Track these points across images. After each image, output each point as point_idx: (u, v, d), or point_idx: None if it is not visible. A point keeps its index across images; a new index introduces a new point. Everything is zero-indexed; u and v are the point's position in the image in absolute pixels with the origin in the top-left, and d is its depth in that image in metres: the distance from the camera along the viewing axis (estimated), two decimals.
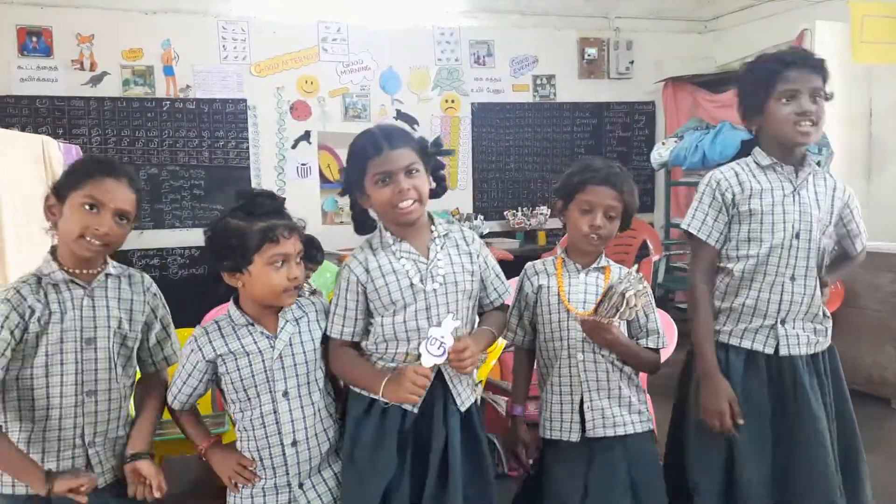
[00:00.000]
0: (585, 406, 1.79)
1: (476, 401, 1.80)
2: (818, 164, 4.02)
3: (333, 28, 5.38)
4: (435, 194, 1.76)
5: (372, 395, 1.67)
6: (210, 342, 1.65)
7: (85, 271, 1.66)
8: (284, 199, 1.72)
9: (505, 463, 2.96)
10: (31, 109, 4.81)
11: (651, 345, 1.85)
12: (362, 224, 1.78)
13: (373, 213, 1.76)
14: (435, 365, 1.60)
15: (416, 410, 1.65)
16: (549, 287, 1.85)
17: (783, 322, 1.83)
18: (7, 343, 1.54)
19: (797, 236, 1.81)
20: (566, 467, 1.82)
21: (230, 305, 1.70)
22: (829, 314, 1.91)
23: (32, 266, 1.68)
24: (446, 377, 1.66)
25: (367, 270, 1.68)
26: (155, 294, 1.77)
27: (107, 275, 1.68)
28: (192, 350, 1.66)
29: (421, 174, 1.67)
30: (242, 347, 1.64)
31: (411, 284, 1.66)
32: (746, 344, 1.85)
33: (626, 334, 1.82)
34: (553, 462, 1.84)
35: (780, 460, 1.83)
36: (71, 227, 1.59)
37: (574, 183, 1.83)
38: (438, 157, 1.77)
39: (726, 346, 1.87)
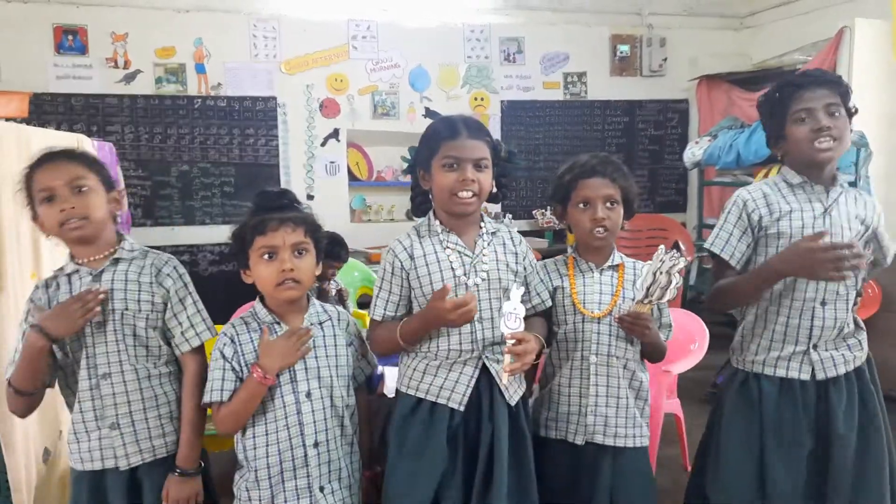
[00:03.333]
0: (589, 410, 1.78)
1: (525, 395, 1.79)
2: (856, 164, 3.92)
3: (363, 26, 5.38)
4: (493, 198, 1.77)
5: (418, 394, 1.68)
6: (237, 335, 1.66)
7: (92, 258, 1.67)
8: (290, 193, 1.72)
9: None
10: (66, 107, 4.89)
11: (662, 336, 1.85)
12: (418, 206, 1.79)
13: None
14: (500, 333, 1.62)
15: (461, 408, 1.66)
16: (563, 288, 1.83)
17: (815, 347, 1.78)
18: None
19: None
20: (559, 466, 1.81)
21: (256, 302, 1.71)
22: (862, 325, 1.86)
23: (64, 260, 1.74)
24: (492, 371, 1.66)
25: (412, 257, 1.68)
26: (168, 273, 1.72)
27: (117, 259, 1.68)
28: (223, 344, 1.66)
29: (488, 171, 1.69)
30: None
31: (454, 276, 1.66)
32: (781, 372, 1.81)
33: None
34: (546, 459, 1.82)
35: (815, 484, 1.79)
36: (48, 223, 1.62)
37: (566, 183, 1.82)
38: (507, 165, 1.78)
39: (759, 376, 1.83)
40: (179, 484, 1.67)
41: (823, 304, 1.77)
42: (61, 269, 1.70)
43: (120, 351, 1.66)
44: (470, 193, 1.64)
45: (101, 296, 1.61)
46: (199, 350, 1.75)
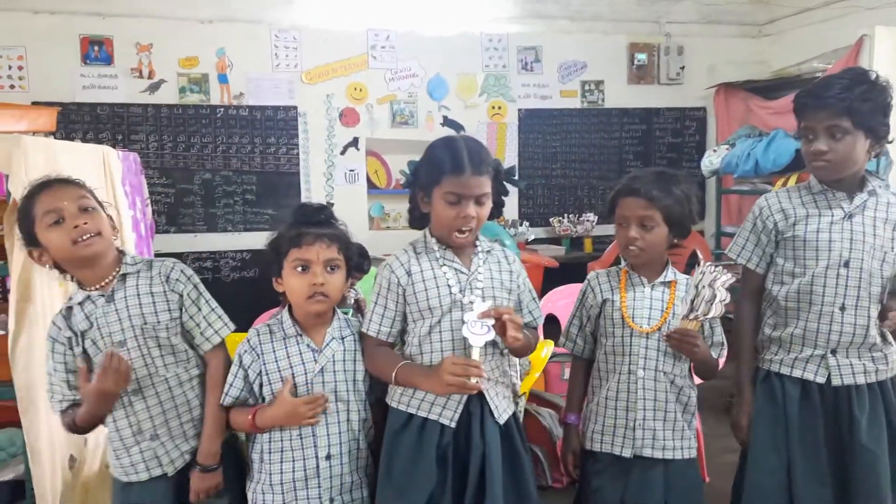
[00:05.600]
0: (637, 424, 1.78)
1: (516, 413, 1.80)
2: (875, 173, 3.89)
3: (382, 35, 5.44)
4: (490, 216, 1.77)
5: (409, 410, 1.68)
6: (260, 344, 1.71)
7: (100, 283, 1.70)
8: (330, 207, 1.77)
9: (549, 475, 2.94)
10: (92, 116, 4.99)
11: (714, 355, 1.85)
12: (417, 220, 1.80)
13: None
14: (483, 349, 1.60)
15: (453, 424, 1.66)
16: (613, 301, 1.84)
17: (834, 352, 1.78)
18: (66, 378, 1.69)
19: (846, 265, 1.75)
20: (607, 479, 1.82)
21: (284, 312, 1.75)
22: (891, 339, 1.84)
23: None
24: (483, 388, 1.65)
25: (409, 273, 1.69)
26: (177, 279, 1.75)
27: (124, 275, 1.71)
28: (244, 350, 1.71)
29: (488, 202, 1.69)
30: (288, 357, 1.68)
31: (450, 293, 1.67)
32: (798, 373, 1.82)
33: None
34: (594, 473, 1.84)
35: (838, 491, 1.79)
36: (58, 244, 1.63)
37: (610, 199, 1.85)
38: (505, 184, 1.78)
39: (780, 376, 1.85)
40: (201, 479, 1.71)
41: (843, 308, 1.77)
42: (70, 299, 1.73)
43: (147, 365, 1.70)
44: (468, 230, 1.66)
45: (126, 365, 1.62)
46: (221, 346, 1.78)
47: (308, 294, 1.66)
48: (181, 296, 1.74)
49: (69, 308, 1.71)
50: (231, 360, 1.76)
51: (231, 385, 1.70)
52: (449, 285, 1.68)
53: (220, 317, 1.78)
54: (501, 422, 1.70)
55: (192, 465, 1.73)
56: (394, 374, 1.66)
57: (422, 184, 1.71)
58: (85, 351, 1.69)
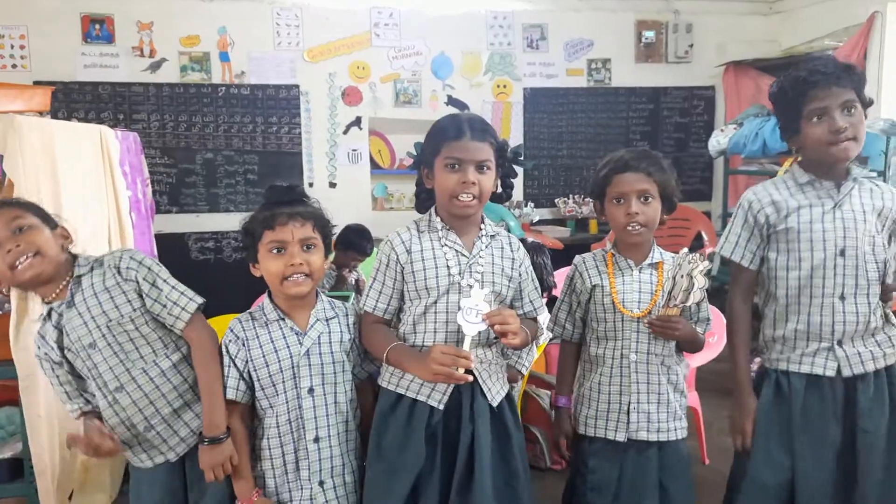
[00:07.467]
0: (632, 407, 1.78)
1: (510, 395, 1.78)
2: (885, 153, 3.82)
3: (385, 13, 5.37)
4: (498, 198, 1.76)
5: (398, 390, 1.67)
6: (243, 331, 1.68)
7: (54, 293, 1.68)
8: (299, 186, 1.73)
9: (548, 456, 2.94)
10: (93, 95, 4.96)
11: (700, 330, 1.85)
12: (422, 203, 1.78)
13: None
14: (479, 334, 1.57)
15: (441, 406, 1.65)
16: (603, 287, 1.82)
17: (840, 343, 1.75)
18: (64, 390, 1.73)
19: (842, 254, 1.72)
20: (603, 461, 1.82)
21: (265, 298, 1.73)
22: (894, 321, 1.82)
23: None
24: (475, 371, 1.63)
25: (409, 251, 1.67)
26: (128, 267, 1.70)
27: (79, 277, 1.68)
28: (229, 340, 1.69)
29: (491, 173, 1.67)
30: (272, 342, 1.66)
31: (449, 274, 1.65)
32: (806, 369, 1.78)
33: None
34: (590, 455, 1.84)
35: (843, 482, 1.76)
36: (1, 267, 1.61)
37: (601, 178, 1.81)
38: (513, 166, 1.76)
39: (787, 374, 1.81)
40: (210, 452, 1.64)
41: (843, 298, 1.74)
42: (41, 315, 1.72)
43: (123, 361, 1.68)
44: (470, 196, 1.63)
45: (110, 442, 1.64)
46: (195, 321, 1.72)
47: (286, 275, 1.62)
48: (137, 282, 1.69)
49: (43, 325, 1.71)
50: (213, 330, 1.74)
51: (228, 377, 1.67)
52: (448, 266, 1.65)
53: (182, 293, 1.72)
54: (495, 404, 1.69)
55: (199, 444, 1.70)
56: (385, 354, 1.64)
57: (425, 159, 1.70)
58: (67, 360, 1.69)
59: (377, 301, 1.70)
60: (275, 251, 1.63)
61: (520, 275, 1.76)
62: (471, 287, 1.61)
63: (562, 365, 1.96)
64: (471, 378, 1.58)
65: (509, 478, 1.68)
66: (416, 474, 1.62)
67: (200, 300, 1.74)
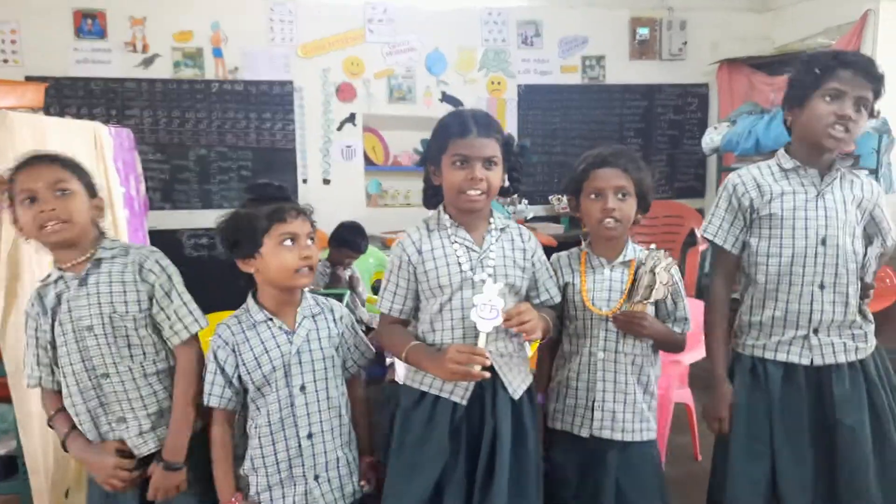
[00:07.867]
0: (596, 405, 1.79)
1: (532, 387, 1.79)
2: (878, 151, 3.85)
3: (380, 9, 5.36)
4: (505, 192, 1.76)
5: (422, 388, 1.69)
6: (232, 336, 1.67)
7: (73, 262, 1.67)
8: (285, 188, 1.73)
9: None
10: (86, 91, 4.94)
11: (678, 330, 1.84)
12: (430, 199, 1.79)
13: None
14: (495, 329, 1.57)
15: (464, 402, 1.66)
16: (573, 285, 1.83)
17: (816, 332, 1.77)
18: (37, 353, 1.71)
19: (823, 242, 1.74)
20: (567, 454, 1.83)
21: (248, 300, 1.72)
22: (871, 317, 1.84)
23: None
24: (495, 365, 1.64)
25: (420, 252, 1.69)
26: (150, 269, 1.70)
27: (99, 259, 1.68)
28: (217, 346, 1.67)
29: (497, 168, 1.67)
30: (262, 343, 1.66)
31: (461, 271, 1.66)
32: (782, 357, 1.80)
33: None
34: (557, 449, 1.85)
35: (822, 471, 1.78)
36: (27, 224, 1.62)
37: (578, 174, 1.82)
38: (519, 160, 1.76)
39: (763, 360, 1.82)
40: (163, 475, 1.67)
41: (822, 287, 1.75)
42: (48, 276, 1.71)
43: (113, 353, 1.67)
44: (478, 192, 1.63)
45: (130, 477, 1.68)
46: (190, 342, 1.73)
47: (297, 266, 1.63)
48: (152, 286, 1.69)
49: (46, 285, 1.70)
50: (204, 356, 1.72)
51: (212, 384, 1.66)
52: (459, 262, 1.66)
53: (191, 311, 1.72)
54: (516, 397, 1.69)
55: (155, 458, 1.70)
56: (404, 354, 1.66)
57: (432, 156, 1.71)
58: (52, 329, 1.68)
59: (392, 302, 1.72)
60: (288, 242, 1.63)
61: (533, 264, 1.76)
62: (483, 282, 1.61)
63: (539, 363, 1.98)
64: (488, 375, 1.59)
65: (521, 474, 1.68)
66: (440, 470, 1.63)
67: (205, 323, 1.75)
